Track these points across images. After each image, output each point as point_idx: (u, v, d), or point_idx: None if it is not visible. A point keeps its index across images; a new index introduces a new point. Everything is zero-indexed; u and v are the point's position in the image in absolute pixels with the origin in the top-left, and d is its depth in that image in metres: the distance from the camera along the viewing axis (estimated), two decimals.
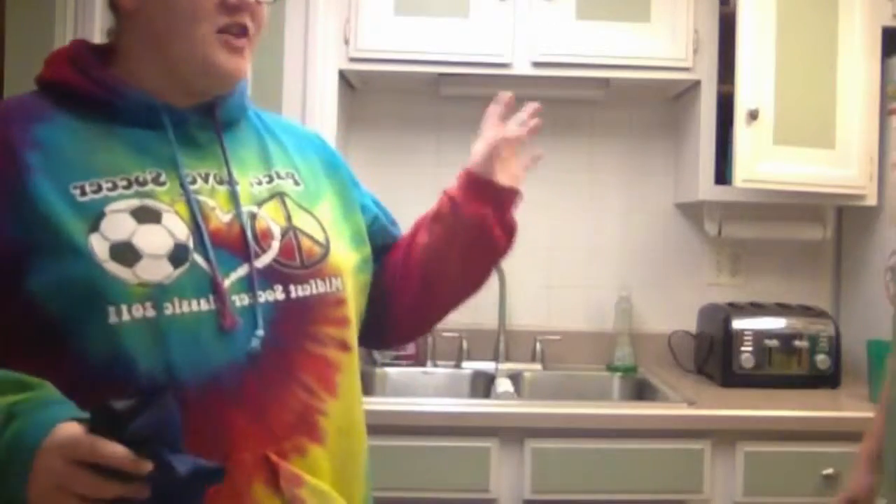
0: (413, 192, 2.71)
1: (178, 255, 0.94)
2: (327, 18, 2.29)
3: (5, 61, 2.10)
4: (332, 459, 1.02)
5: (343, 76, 2.42)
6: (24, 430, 0.82)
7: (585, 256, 2.74)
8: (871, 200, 2.39)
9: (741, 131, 2.20)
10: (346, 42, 2.34)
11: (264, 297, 0.98)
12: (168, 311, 0.92)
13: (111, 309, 0.90)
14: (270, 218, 1.03)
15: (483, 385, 2.48)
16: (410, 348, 2.58)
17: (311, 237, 1.06)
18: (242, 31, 1.02)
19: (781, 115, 2.24)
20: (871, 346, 2.18)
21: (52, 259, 0.90)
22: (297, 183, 1.11)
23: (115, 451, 0.78)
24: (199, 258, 0.95)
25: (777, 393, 2.23)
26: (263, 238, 1.01)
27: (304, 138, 1.21)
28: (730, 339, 2.33)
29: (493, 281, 2.60)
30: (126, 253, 0.92)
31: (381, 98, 2.71)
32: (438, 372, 2.56)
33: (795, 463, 2.01)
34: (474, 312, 2.63)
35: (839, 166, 2.32)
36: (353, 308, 1.10)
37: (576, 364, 2.66)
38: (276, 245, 1.02)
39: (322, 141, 1.26)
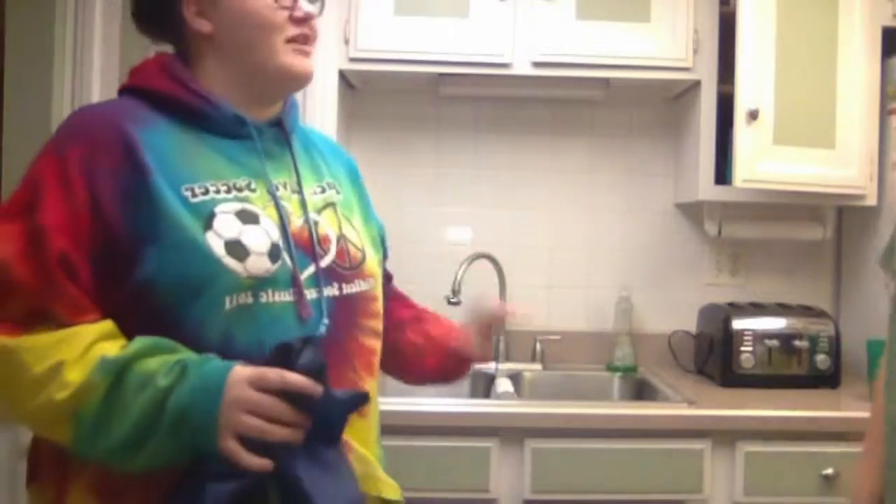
0: (413, 192, 2.72)
1: (274, 253, 1.09)
2: (327, 18, 2.29)
3: (5, 61, 2.10)
4: (371, 430, 1.23)
5: (343, 76, 2.42)
6: (208, 372, 0.98)
7: (585, 256, 2.74)
8: (871, 200, 2.39)
9: (741, 131, 2.20)
10: (346, 42, 2.34)
11: (326, 292, 1.14)
12: (263, 299, 1.07)
13: (227, 298, 1.04)
14: (329, 225, 1.20)
15: (483, 385, 2.48)
16: None
17: (353, 243, 1.22)
18: (307, 39, 1.18)
19: (781, 115, 2.24)
20: (871, 346, 2.18)
21: (173, 252, 1.02)
22: (339, 193, 1.27)
23: (299, 378, 0.97)
24: (286, 256, 1.11)
25: (777, 393, 2.23)
26: (325, 242, 1.17)
27: (334, 149, 1.37)
28: (730, 339, 2.33)
29: (493, 281, 2.61)
30: (238, 249, 1.06)
31: (381, 98, 2.71)
32: None
33: (795, 463, 2.01)
34: None
35: (839, 166, 2.32)
36: (382, 303, 1.27)
37: (576, 364, 2.66)
38: (333, 249, 1.18)
39: (344, 151, 1.40)
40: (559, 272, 2.73)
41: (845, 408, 2.12)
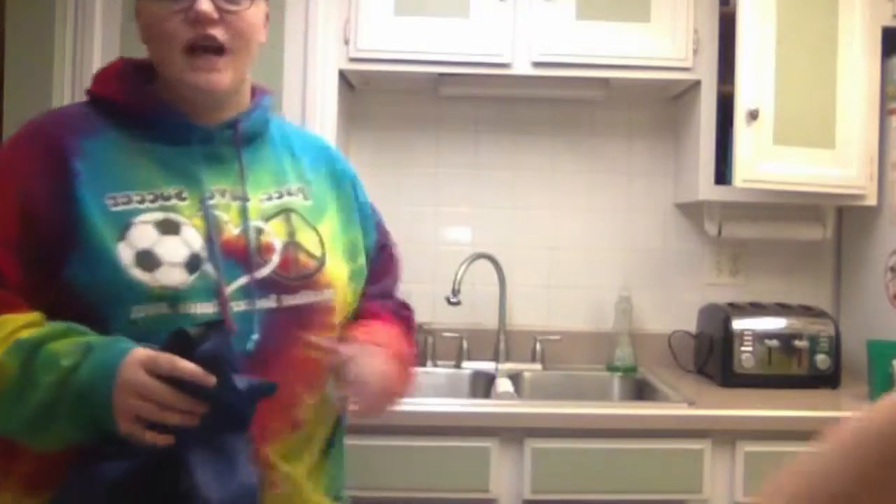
0: (413, 192, 2.72)
1: (192, 264, 1.07)
2: (327, 18, 2.29)
3: (5, 61, 2.10)
4: (307, 447, 1.18)
5: (343, 76, 2.42)
6: (108, 353, 0.99)
7: (585, 256, 2.74)
8: (871, 200, 2.38)
9: (741, 131, 2.20)
10: (346, 42, 2.34)
11: (260, 304, 1.11)
12: (182, 311, 1.05)
13: (134, 308, 1.04)
14: (274, 233, 1.16)
15: (483, 385, 2.48)
16: None
17: (308, 252, 1.18)
18: (214, 44, 1.11)
19: (781, 116, 2.24)
20: (871, 346, 2.18)
21: (87, 259, 1.04)
22: (306, 198, 1.23)
23: (189, 365, 0.96)
24: (209, 267, 1.08)
25: (777, 393, 2.23)
26: (265, 251, 1.14)
27: (319, 151, 1.33)
28: (730, 339, 2.33)
29: (493, 281, 2.61)
30: (148, 260, 1.05)
31: (381, 98, 2.71)
32: (438, 372, 2.56)
33: None
34: (474, 312, 2.63)
35: (839, 166, 2.32)
36: (340, 315, 1.22)
37: (576, 364, 2.66)
38: (275, 258, 1.14)
39: (333, 154, 1.36)
40: (559, 272, 2.73)
41: (845, 408, 2.12)
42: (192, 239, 1.09)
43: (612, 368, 2.59)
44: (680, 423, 2.02)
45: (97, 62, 2.13)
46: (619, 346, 2.61)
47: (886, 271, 2.32)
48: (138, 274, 1.04)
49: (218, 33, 1.11)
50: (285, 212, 1.18)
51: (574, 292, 2.74)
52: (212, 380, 0.97)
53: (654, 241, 2.74)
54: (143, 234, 1.07)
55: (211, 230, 1.10)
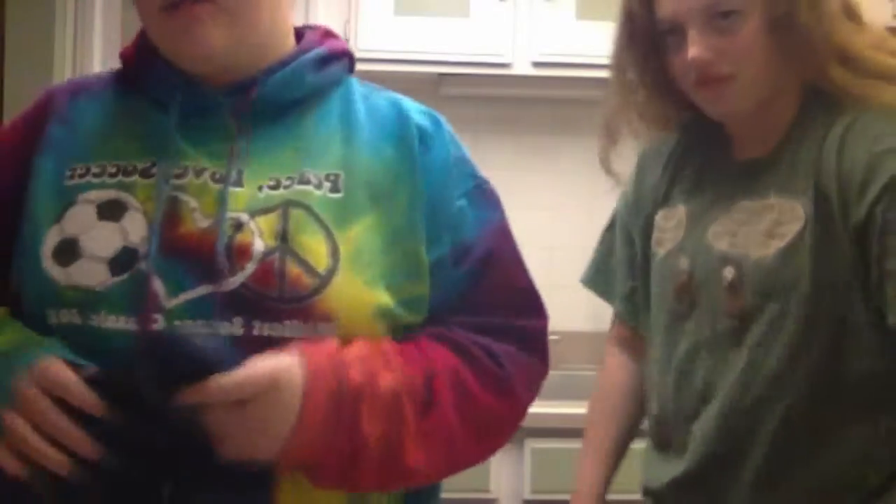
0: None
1: (121, 261, 0.80)
2: (327, 18, 2.29)
3: (5, 61, 2.10)
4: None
5: None
6: (14, 355, 0.77)
7: (585, 256, 2.74)
8: None
9: None
10: (346, 42, 2.34)
11: (220, 329, 0.78)
12: (93, 322, 0.79)
13: (48, 311, 0.80)
14: (260, 232, 0.82)
15: None
16: None
17: (305, 263, 0.81)
18: None
19: None
20: None
21: (21, 244, 0.84)
22: (335, 189, 0.86)
23: (81, 388, 0.71)
24: (143, 267, 0.79)
25: None
26: (239, 254, 0.80)
27: (393, 125, 0.95)
28: None
29: None
30: (67, 251, 0.81)
31: None
32: None
33: None
34: None
35: None
36: None
37: (576, 364, 2.65)
38: (250, 267, 0.80)
39: (413, 125, 0.98)
40: (559, 272, 2.73)
41: None
42: (132, 228, 0.81)
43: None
44: None
45: (97, 62, 2.13)
46: None
47: None
48: (50, 268, 0.80)
49: None
50: (287, 205, 0.83)
51: (574, 292, 2.72)
52: (100, 408, 0.70)
53: None
54: (80, 216, 0.82)
55: (157, 217, 0.81)
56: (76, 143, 0.87)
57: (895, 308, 0.90)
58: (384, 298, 0.84)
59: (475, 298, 0.91)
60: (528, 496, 2.00)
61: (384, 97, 0.98)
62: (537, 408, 2.06)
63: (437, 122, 1.02)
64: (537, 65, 2.37)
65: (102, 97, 0.91)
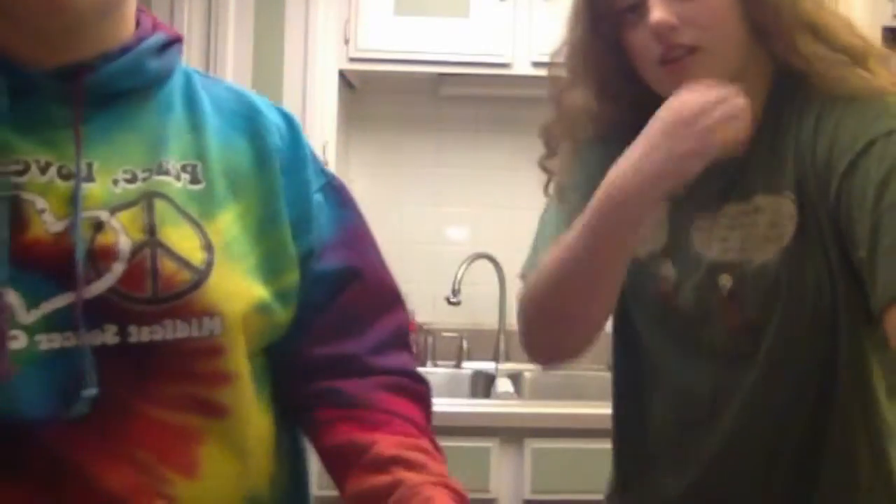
0: (413, 193, 2.72)
1: None
2: (327, 18, 2.29)
3: None
4: None
5: (343, 76, 2.42)
6: None
7: None
8: None
9: None
10: (346, 42, 2.34)
11: (91, 340, 0.72)
12: None
13: None
14: (124, 229, 0.75)
15: (483, 385, 2.48)
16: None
17: (179, 258, 0.76)
18: None
19: None
20: None
21: None
22: (195, 180, 0.81)
23: None
24: None
25: None
26: (103, 257, 0.73)
27: (241, 115, 0.88)
28: None
29: (493, 281, 2.60)
30: None
31: (381, 98, 2.71)
32: (438, 372, 2.56)
33: None
34: (474, 312, 2.63)
35: None
36: (242, 357, 0.79)
37: (576, 364, 2.65)
38: (118, 268, 0.73)
39: (264, 121, 0.89)
40: None
41: None
42: None
43: (612, 368, 2.59)
44: None
45: None
46: None
47: None
48: None
49: None
50: (149, 197, 0.77)
51: None
52: None
53: None
54: None
55: (2, 223, 0.71)
56: None
57: (874, 295, 0.84)
58: (261, 291, 0.81)
59: (344, 298, 0.87)
60: (528, 496, 2.00)
61: (225, 88, 0.91)
62: (537, 408, 2.07)
63: (288, 118, 0.93)
64: (537, 65, 2.37)
65: None
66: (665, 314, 1.04)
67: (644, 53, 0.96)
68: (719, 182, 0.98)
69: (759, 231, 0.95)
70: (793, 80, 0.96)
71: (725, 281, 0.97)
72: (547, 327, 1.10)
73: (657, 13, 0.91)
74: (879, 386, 0.95)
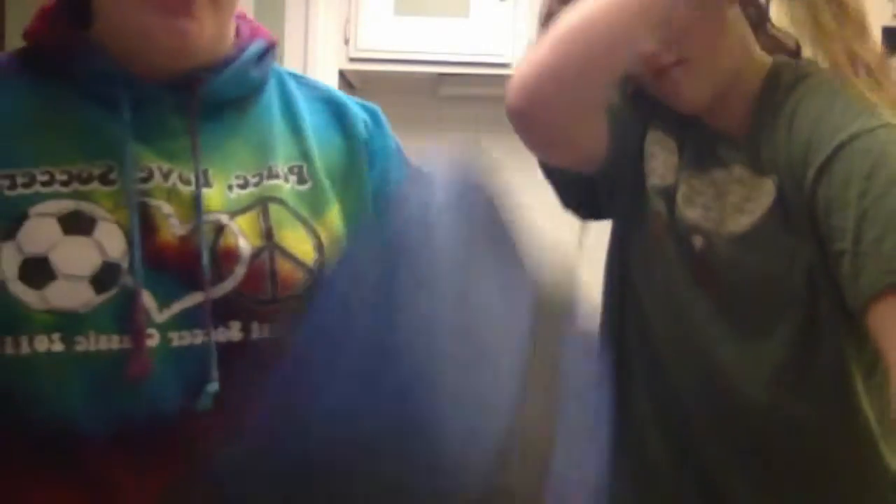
0: None
1: (104, 278, 0.74)
2: (327, 18, 2.29)
3: None
4: None
5: (343, 76, 2.42)
6: None
7: (585, 257, 2.74)
8: None
9: None
10: (346, 42, 2.35)
11: (216, 337, 0.76)
12: (80, 346, 0.73)
13: (8, 339, 0.72)
14: (243, 233, 0.79)
15: None
16: None
17: (295, 259, 0.80)
18: None
19: None
20: None
21: None
22: (302, 181, 0.85)
23: None
24: (129, 282, 0.75)
25: None
26: (225, 259, 0.78)
27: (334, 115, 0.94)
28: None
29: None
30: (38, 271, 0.73)
31: (380, 98, 2.68)
32: None
33: None
34: None
35: None
36: None
37: None
38: (240, 271, 0.78)
39: (351, 111, 0.97)
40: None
41: None
42: (109, 241, 0.75)
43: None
44: None
45: None
46: None
47: None
48: (21, 291, 0.73)
49: None
50: (265, 201, 0.82)
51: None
52: None
53: None
54: (40, 231, 0.74)
55: (134, 227, 0.76)
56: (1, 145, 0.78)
57: (850, 289, 0.85)
58: None
59: None
60: None
61: (314, 86, 0.97)
62: None
63: (374, 113, 1.01)
64: None
65: (19, 92, 0.82)
66: (651, 254, 1.08)
67: (634, 68, 1.00)
68: (712, 147, 1.01)
69: (736, 201, 0.97)
70: (786, 70, 1.02)
71: (697, 241, 1.01)
72: (559, 80, 1.04)
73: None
74: (857, 375, 0.96)
